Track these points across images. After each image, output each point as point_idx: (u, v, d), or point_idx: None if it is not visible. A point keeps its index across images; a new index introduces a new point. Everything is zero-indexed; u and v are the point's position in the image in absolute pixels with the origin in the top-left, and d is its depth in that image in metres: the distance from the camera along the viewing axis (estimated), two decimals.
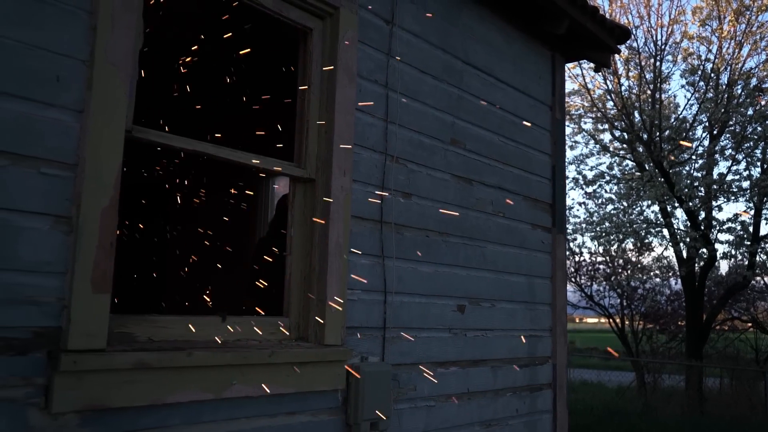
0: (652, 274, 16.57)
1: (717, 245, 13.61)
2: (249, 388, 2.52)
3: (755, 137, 13.16)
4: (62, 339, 2.04)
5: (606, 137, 14.94)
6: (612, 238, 15.14)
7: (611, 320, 17.07)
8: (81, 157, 2.12)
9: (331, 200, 2.93)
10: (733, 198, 13.56)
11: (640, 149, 13.63)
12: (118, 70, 2.22)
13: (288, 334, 2.86)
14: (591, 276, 17.15)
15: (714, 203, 13.48)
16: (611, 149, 14.83)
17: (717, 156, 13.37)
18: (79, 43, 2.16)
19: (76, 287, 2.07)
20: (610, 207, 15.17)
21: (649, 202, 14.30)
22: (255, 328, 2.73)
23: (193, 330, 2.51)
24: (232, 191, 5.60)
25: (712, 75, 12.97)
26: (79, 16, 2.16)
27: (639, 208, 14.87)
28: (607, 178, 15.01)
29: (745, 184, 13.46)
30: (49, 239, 2.05)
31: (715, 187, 13.16)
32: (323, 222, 2.93)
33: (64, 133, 2.11)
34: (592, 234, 15.17)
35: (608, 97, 14.04)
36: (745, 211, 13.07)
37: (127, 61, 2.26)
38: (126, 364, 2.15)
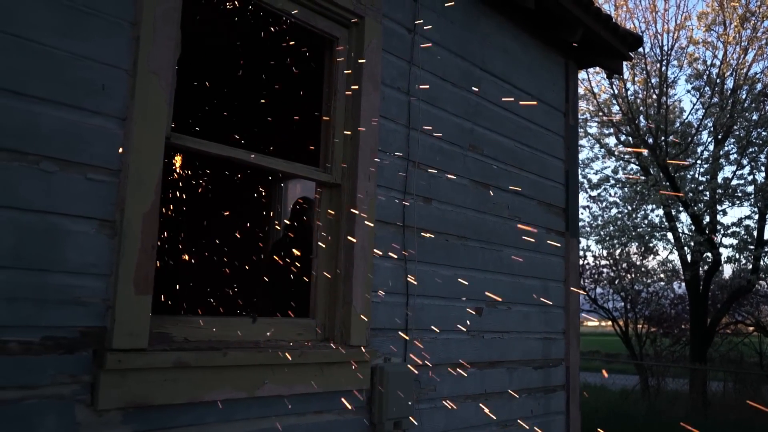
0: (656, 277, 16.62)
1: (721, 249, 13.69)
2: (280, 387, 2.60)
3: (760, 142, 13.24)
4: (107, 338, 2.12)
5: (611, 141, 15.02)
6: (616, 242, 15.20)
7: (615, 323, 17.13)
8: (124, 163, 2.20)
9: (356, 205, 3.01)
10: (737, 202, 13.62)
11: (645, 153, 13.69)
12: (159, 79, 2.30)
13: (314, 335, 2.94)
14: (595, 279, 17.22)
15: (719, 207, 13.54)
16: (616, 153, 14.90)
17: (722, 160, 13.44)
18: (123, 53, 2.24)
19: (120, 289, 2.14)
20: (614, 210, 15.26)
21: (654, 206, 14.36)
22: (283, 329, 2.80)
23: (226, 331, 2.59)
24: (247, 194, 5.68)
25: (718, 80, 13.04)
26: (123, 27, 2.25)
27: (643, 212, 14.93)
28: (612, 182, 15.08)
29: (750, 188, 13.53)
30: (94, 242, 2.13)
31: (719, 191, 13.22)
32: (349, 226, 3.01)
33: (109, 140, 2.19)
34: (597, 238, 15.24)
35: (614, 102, 14.12)
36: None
37: (167, 70, 2.34)
38: (166, 363, 2.23)
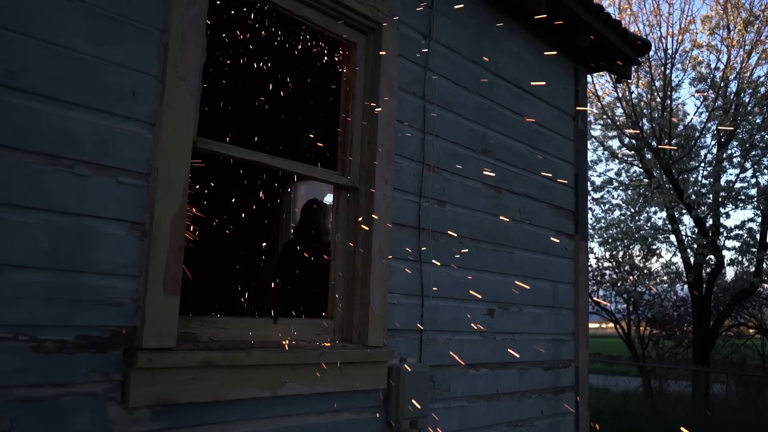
0: (659, 279, 16.68)
1: (724, 252, 13.75)
2: (301, 387, 2.65)
3: (762, 145, 13.30)
4: (137, 338, 2.17)
5: (614, 144, 15.09)
6: (618, 244, 15.26)
7: (618, 325, 17.18)
8: (154, 167, 2.26)
9: (373, 208, 3.06)
10: (740, 205, 13.68)
11: (649, 156, 13.76)
12: (187, 85, 2.36)
13: (333, 335, 2.99)
14: (597, 281, 17.28)
15: (722, 210, 13.59)
16: (619, 156, 14.96)
17: (725, 163, 13.49)
18: (152, 59, 2.30)
19: (149, 289, 2.20)
20: (617, 213, 15.32)
21: (657, 208, 14.43)
22: (303, 329, 2.86)
23: (248, 331, 2.64)
24: (256, 195, 5.72)
25: (721, 83, 13.10)
26: (152, 35, 2.30)
27: (646, 215, 14.99)
28: (615, 184, 15.14)
29: (753, 191, 13.59)
30: (125, 244, 2.18)
31: (723, 194, 13.28)
32: (366, 228, 3.06)
33: (139, 144, 2.24)
34: (600, 240, 15.30)
35: (617, 104, 14.18)
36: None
37: (194, 76, 2.39)
38: (193, 362, 2.28)
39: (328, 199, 5.65)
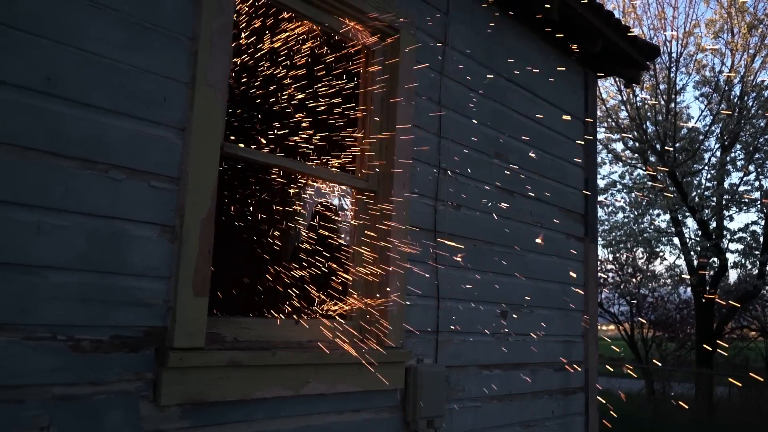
0: (662, 282, 16.73)
1: (727, 254, 13.81)
2: (322, 386, 2.71)
3: (766, 148, 13.35)
4: (168, 338, 2.23)
5: (618, 146, 15.13)
6: (621, 246, 15.31)
7: (620, 327, 17.23)
8: (184, 172, 2.32)
9: (391, 211, 3.12)
10: (744, 208, 13.73)
11: (653, 159, 13.81)
12: (216, 92, 2.42)
13: (352, 336, 3.04)
14: (600, 283, 17.32)
15: (725, 213, 13.64)
16: (623, 158, 15.01)
17: (729, 167, 13.55)
18: (182, 66, 2.35)
19: (180, 291, 2.26)
20: (620, 215, 15.37)
21: (660, 211, 14.49)
22: (323, 330, 2.91)
23: (270, 331, 2.70)
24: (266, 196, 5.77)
25: (725, 87, 13.16)
26: (182, 42, 2.36)
27: (649, 217, 15.05)
28: (619, 187, 15.21)
29: (756, 194, 13.65)
30: (156, 247, 2.24)
31: (726, 197, 13.33)
32: (384, 231, 3.12)
33: (170, 149, 2.30)
34: (603, 242, 15.35)
35: (621, 107, 14.24)
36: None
37: (223, 83, 2.45)
38: (221, 361, 2.34)
39: (335, 201, 5.71)
